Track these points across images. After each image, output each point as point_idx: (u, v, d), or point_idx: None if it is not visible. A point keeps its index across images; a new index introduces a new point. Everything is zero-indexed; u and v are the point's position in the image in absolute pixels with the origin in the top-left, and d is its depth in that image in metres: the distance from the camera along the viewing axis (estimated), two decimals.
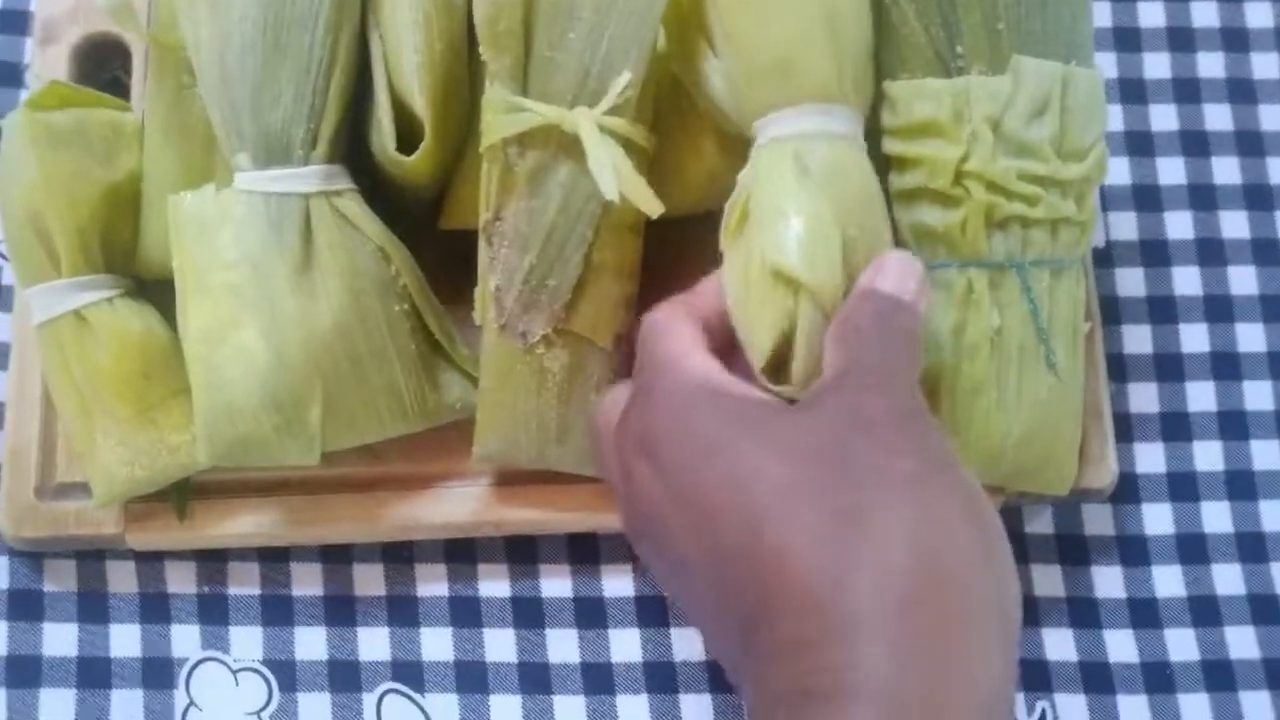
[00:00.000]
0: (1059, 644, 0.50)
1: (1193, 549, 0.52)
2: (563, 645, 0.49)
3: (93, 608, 0.50)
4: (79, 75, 0.54)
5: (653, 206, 0.44)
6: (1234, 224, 0.55)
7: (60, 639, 0.49)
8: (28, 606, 0.50)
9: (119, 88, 0.54)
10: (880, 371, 0.37)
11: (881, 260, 0.40)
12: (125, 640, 0.49)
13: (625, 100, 0.44)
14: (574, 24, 0.44)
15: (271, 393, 0.44)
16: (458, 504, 0.49)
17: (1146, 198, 0.55)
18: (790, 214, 0.41)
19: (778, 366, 0.41)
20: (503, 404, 0.46)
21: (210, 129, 0.47)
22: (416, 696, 0.49)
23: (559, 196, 0.45)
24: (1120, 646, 0.50)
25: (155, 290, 0.49)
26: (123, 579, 0.50)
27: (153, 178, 0.49)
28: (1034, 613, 0.51)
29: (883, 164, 0.46)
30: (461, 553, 0.50)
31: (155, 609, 0.50)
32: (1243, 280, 0.55)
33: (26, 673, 0.49)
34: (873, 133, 0.45)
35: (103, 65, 0.55)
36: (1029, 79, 0.44)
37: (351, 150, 0.48)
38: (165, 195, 0.47)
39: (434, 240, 0.50)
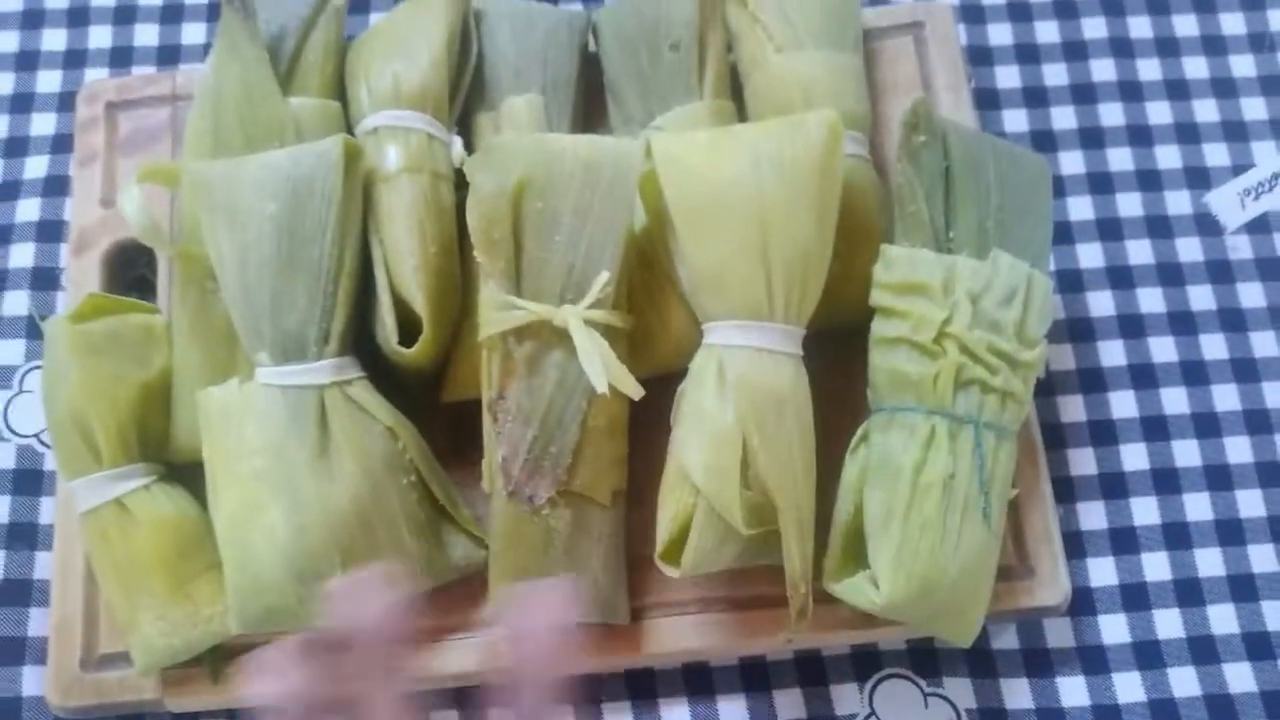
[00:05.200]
0: None
1: (1149, 655, 0.56)
2: None
3: None
4: (109, 277, 0.60)
5: (635, 392, 0.50)
6: (1162, 349, 0.60)
7: None
8: None
9: (145, 284, 0.60)
10: None
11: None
12: None
13: (605, 294, 0.50)
14: (557, 228, 0.50)
15: (295, 567, 0.49)
16: (467, 654, 0.53)
17: (1081, 330, 0.60)
18: (701, 421, 0.49)
19: (674, 551, 0.49)
20: (514, 564, 0.51)
21: (231, 326, 0.52)
22: None
23: (555, 375, 0.50)
24: None
25: (183, 469, 0.54)
26: None
27: (181, 373, 0.54)
28: None
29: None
30: (470, 698, 0.54)
31: None
32: (1175, 401, 0.60)
33: None
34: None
35: (130, 264, 0.61)
36: (1004, 270, 0.52)
37: (358, 336, 0.53)
38: (193, 389, 0.53)
39: (434, 408, 0.55)
